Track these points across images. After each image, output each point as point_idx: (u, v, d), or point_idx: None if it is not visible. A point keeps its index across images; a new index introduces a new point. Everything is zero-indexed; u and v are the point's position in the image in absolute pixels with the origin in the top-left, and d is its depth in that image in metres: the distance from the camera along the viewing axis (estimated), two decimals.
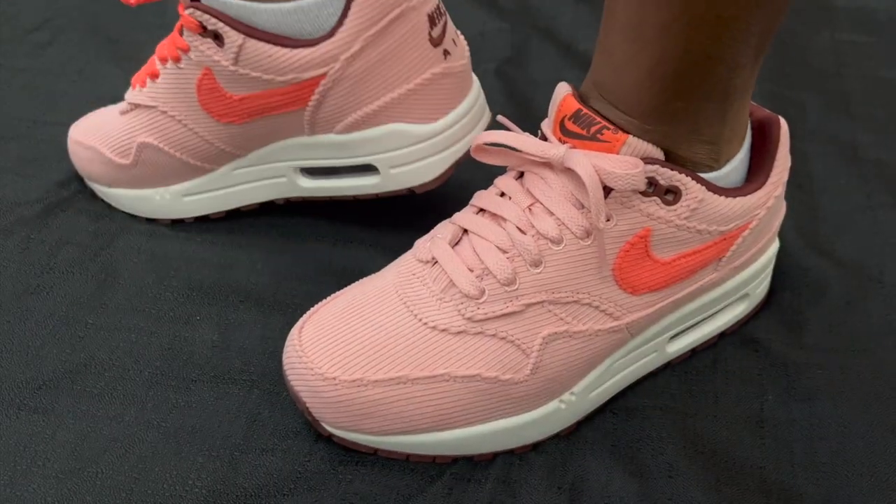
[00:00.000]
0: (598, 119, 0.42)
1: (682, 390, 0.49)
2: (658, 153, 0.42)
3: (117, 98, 0.70)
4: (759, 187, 0.46)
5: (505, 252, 0.43)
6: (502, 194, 0.45)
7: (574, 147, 0.42)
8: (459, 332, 0.43)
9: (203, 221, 0.59)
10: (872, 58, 0.73)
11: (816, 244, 0.56)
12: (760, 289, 0.51)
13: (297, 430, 0.46)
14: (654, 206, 0.43)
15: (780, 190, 0.48)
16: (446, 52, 0.52)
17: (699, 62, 0.40)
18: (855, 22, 0.78)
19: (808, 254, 0.56)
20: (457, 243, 0.45)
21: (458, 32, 0.54)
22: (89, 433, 0.46)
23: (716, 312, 0.50)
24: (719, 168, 0.45)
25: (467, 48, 0.55)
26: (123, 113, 0.59)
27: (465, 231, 0.45)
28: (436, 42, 0.51)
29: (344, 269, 0.55)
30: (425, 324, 0.44)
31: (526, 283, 0.43)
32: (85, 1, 0.81)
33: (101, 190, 0.61)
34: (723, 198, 0.44)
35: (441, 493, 0.44)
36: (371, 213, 0.59)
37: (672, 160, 0.43)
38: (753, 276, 0.50)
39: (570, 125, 0.43)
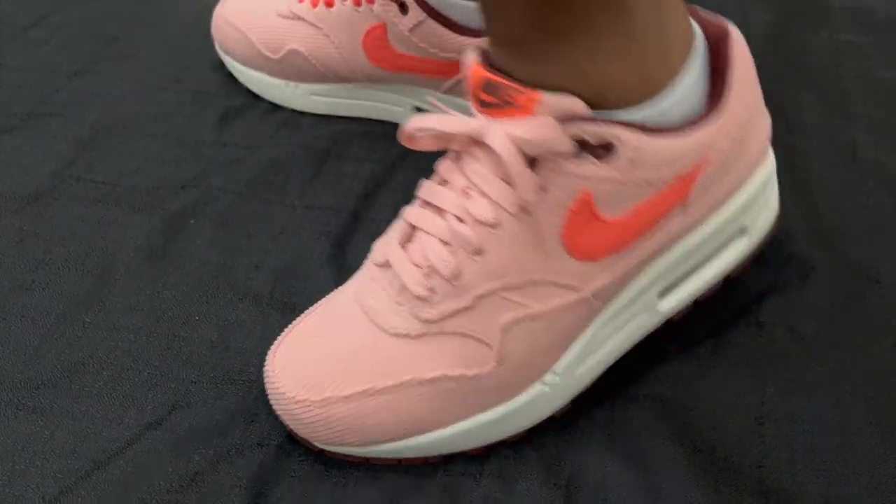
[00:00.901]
0: (506, 82, 0.39)
1: (682, 381, 0.48)
2: (578, 104, 0.38)
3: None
4: (714, 116, 0.41)
5: (447, 245, 0.42)
6: (443, 181, 0.43)
7: (492, 118, 0.39)
8: (419, 336, 0.43)
9: (205, 223, 0.59)
10: (871, 57, 0.73)
11: (814, 243, 0.56)
12: (762, 220, 0.47)
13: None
14: (587, 166, 0.39)
15: (745, 114, 0.42)
16: None
17: None
18: (853, 21, 0.78)
19: (806, 253, 0.55)
20: (408, 241, 0.44)
21: None
22: (88, 433, 0.46)
23: (711, 256, 0.46)
24: (659, 93, 0.40)
25: None
26: (282, 17, 0.66)
27: (414, 227, 0.44)
28: None
29: (341, 267, 0.55)
30: (386, 331, 0.43)
31: (472, 275, 0.41)
32: None
33: (235, 66, 0.70)
34: (665, 139, 0.40)
35: (436, 489, 0.44)
36: (372, 212, 0.59)
37: (600, 105, 0.39)
38: (744, 208, 0.45)
39: (483, 96, 0.40)
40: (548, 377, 0.44)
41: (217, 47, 0.71)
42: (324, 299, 0.47)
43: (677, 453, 0.45)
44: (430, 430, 0.43)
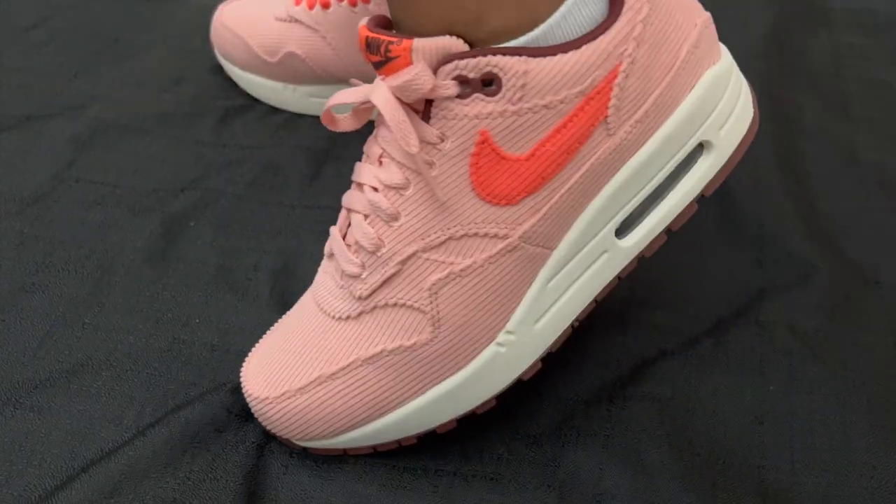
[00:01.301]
0: (381, 36, 0.38)
1: (681, 380, 0.48)
2: (454, 43, 0.37)
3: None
4: (612, 22, 0.38)
5: (367, 217, 0.41)
6: (364, 157, 0.43)
7: (381, 77, 0.38)
8: (358, 315, 0.42)
9: (205, 225, 0.59)
10: (871, 59, 0.74)
11: (814, 243, 0.56)
12: (729, 131, 0.43)
13: None
14: (477, 104, 0.38)
15: (651, 12, 0.39)
16: None
17: None
18: (853, 23, 0.78)
19: (806, 253, 0.56)
20: (347, 225, 0.43)
21: None
22: (86, 433, 0.46)
23: (673, 179, 0.43)
24: (548, 17, 0.38)
25: None
26: (280, 20, 0.66)
27: (348, 210, 0.43)
28: None
29: None
30: (332, 317, 0.43)
31: (392, 241, 0.41)
32: (83, 0, 0.81)
33: (234, 70, 0.70)
34: (555, 58, 0.37)
35: (429, 490, 0.44)
36: None
37: (485, 40, 0.37)
38: (694, 119, 0.41)
39: (369, 56, 0.39)
40: (501, 336, 0.42)
41: (216, 53, 0.72)
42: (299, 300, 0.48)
43: (675, 454, 0.45)
44: (390, 411, 0.42)
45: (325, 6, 0.64)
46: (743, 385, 0.48)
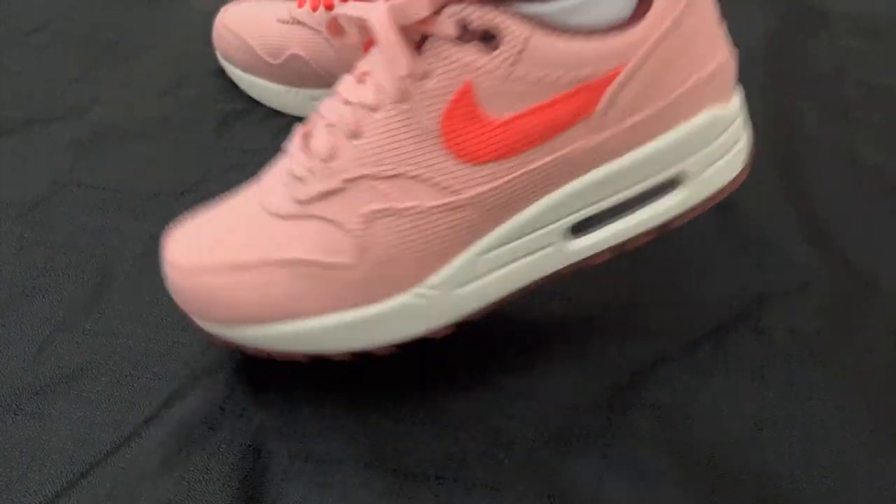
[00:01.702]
0: None
1: (680, 386, 0.48)
2: None
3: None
4: (631, 25, 0.37)
5: (331, 126, 0.40)
6: (353, 70, 0.42)
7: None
8: (289, 216, 0.41)
9: None
10: (871, 63, 0.74)
11: (813, 247, 0.56)
12: (712, 174, 0.42)
13: (294, 434, 0.46)
14: (471, 53, 0.36)
15: (673, 29, 0.38)
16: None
17: None
18: (853, 27, 0.78)
19: (805, 257, 0.56)
20: (312, 128, 0.43)
21: None
22: (86, 438, 0.46)
23: (641, 201, 0.42)
24: None
25: None
26: (283, 22, 0.66)
27: (319, 115, 0.43)
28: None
29: None
30: (265, 210, 0.42)
31: (346, 158, 0.40)
32: (85, 4, 0.81)
33: (236, 73, 0.70)
34: (562, 37, 0.36)
35: (428, 495, 0.44)
36: None
37: None
38: (681, 150, 0.40)
39: None
40: (421, 288, 0.41)
41: (218, 55, 0.72)
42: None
43: (674, 461, 0.45)
44: (291, 318, 0.42)
45: (329, 7, 0.64)
46: (742, 391, 0.48)
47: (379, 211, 0.40)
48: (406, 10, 0.36)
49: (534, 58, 0.36)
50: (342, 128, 0.40)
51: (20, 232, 0.58)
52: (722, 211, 0.59)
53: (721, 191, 0.43)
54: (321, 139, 0.41)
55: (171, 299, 0.53)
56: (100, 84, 0.72)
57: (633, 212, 0.42)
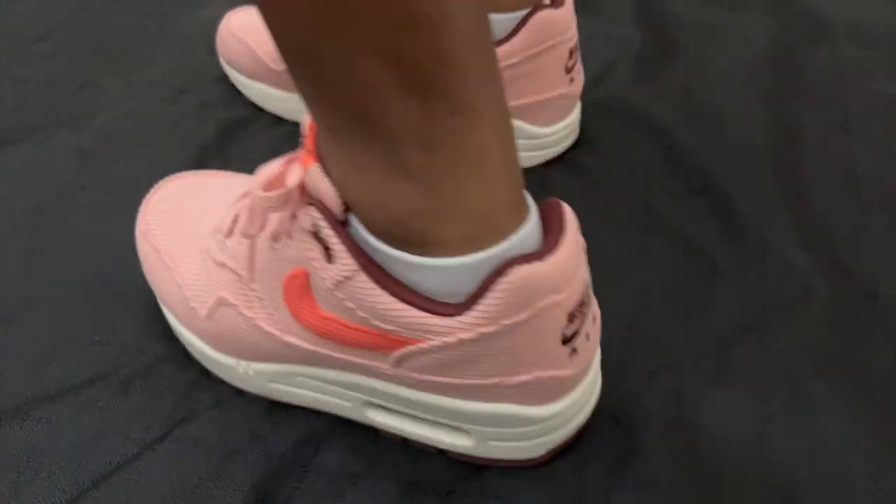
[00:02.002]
0: (308, 137, 0.40)
1: (685, 399, 0.49)
2: (333, 197, 0.38)
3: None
4: (460, 312, 0.38)
5: (231, 208, 0.46)
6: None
7: (297, 159, 0.40)
8: (203, 252, 0.47)
9: None
10: (871, 72, 0.74)
11: (814, 257, 0.57)
12: (498, 445, 0.43)
13: (298, 441, 0.47)
14: (315, 253, 0.39)
15: (498, 326, 0.38)
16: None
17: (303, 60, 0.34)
18: (853, 36, 0.78)
19: (805, 267, 0.56)
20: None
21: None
22: (94, 446, 0.46)
23: (427, 422, 0.44)
24: (430, 255, 0.38)
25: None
26: None
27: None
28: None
29: None
30: (203, 233, 0.48)
31: (229, 246, 0.45)
32: (88, 13, 0.82)
33: (240, 79, 0.71)
34: (384, 288, 0.38)
35: None
36: None
37: (375, 229, 0.38)
38: (470, 417, 0.42)
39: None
40: (245, 364, 0.47)
41: (222, 61, 0.72)
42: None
43: (680, 472, 0.45)
44: (172, 316, 0.50)
45: None
46: (745, 403, 0.48)
47: (228, 301, 0.45)
48: (255, 194, 0.40)
49: (351, 292, 0.39)
50: (243, 226, 0.43)
51: (27, 239, 0.58)
52: (723, 220, 0.59)
53: (511, 461, 0.44)
54: (228, 218, 0.45)
55: None
56: (104, 91, 0.72)
57: (428, 426, 0.45)
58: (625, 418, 0.48)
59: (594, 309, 0.42)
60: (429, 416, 0.44)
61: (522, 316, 0.38)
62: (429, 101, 0.33)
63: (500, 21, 0.59)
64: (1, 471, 0.45)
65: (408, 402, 0.43)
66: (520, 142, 0.54)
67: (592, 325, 0.42)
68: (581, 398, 0.43)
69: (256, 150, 0.67)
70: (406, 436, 0.46)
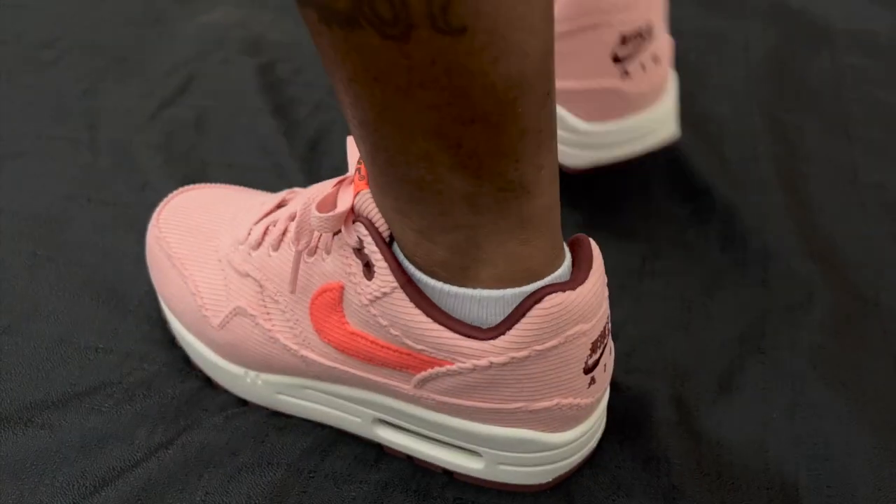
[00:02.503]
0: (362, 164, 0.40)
1: (690, 405, 0.49)
2: (381, 219, 0.39)
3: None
4: (493, 336, 0.39)
5: (272, 227, 0.46)
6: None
7: (349, 183, 0.41)
8: (222, 259, 0.47)
9: None
10: (872, 80, 0.74)
11: (815, 265, 0.57)
12: (508, 469, 0.44)
13: (304, 449, 0.47)
14: (354, 268, 0.40)
15: (529, 352, 0.39)
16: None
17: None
18: (854, 44, 0.78)
19: (806, 275, 0.56)
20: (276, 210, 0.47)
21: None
22: (98, 452, 0.46)
23: (438, 442, 0.45)
24: (462, 285, 0.39)
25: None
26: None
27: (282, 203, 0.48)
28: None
29: None
30: (217, 239, 0.49)
31: (255, 257, 0.45)
32: (92, 20, 0.82)
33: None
34: (418, 309, 0.39)
35: None
36: None
37: (417, 262, 0.39)
38: (484, 441, 0.43)
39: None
40: (252, 374, 0.48)
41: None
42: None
43: (683, 478, 0.45)
44: (177, 320, 0.51)
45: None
46: (747, 410, 0.49)
47: (245, 311, 0.46)
48: (310, 214, 0.40)
49: (387, 308, 0.40)
50: (275, 234, 0.45)
51: (32, 248, 0.58)
52: (725, 227, 0.59)
53: (518, 486, 0.45)
54: (258, 230, 0.46)
55: None
56: (108, 99, 0.72)
57: (436, 445, 0.45)
58: (629, 425, 0.48)
59: (610, 340, 0.43)
60: (442, 437, 0.44)
61: (553, 343, 0.39)
62: (480, 178, 0.35)
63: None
64: (4, 477, 0.45)
65: (422, 421, 0.44)
66: (562, 134, 0.53)
67: (609, 355, 0.43)
68: (592, 427, 0.44)
69: (258, 152, 0.67)
70: (413, 454, 0.46)
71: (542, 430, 0.42)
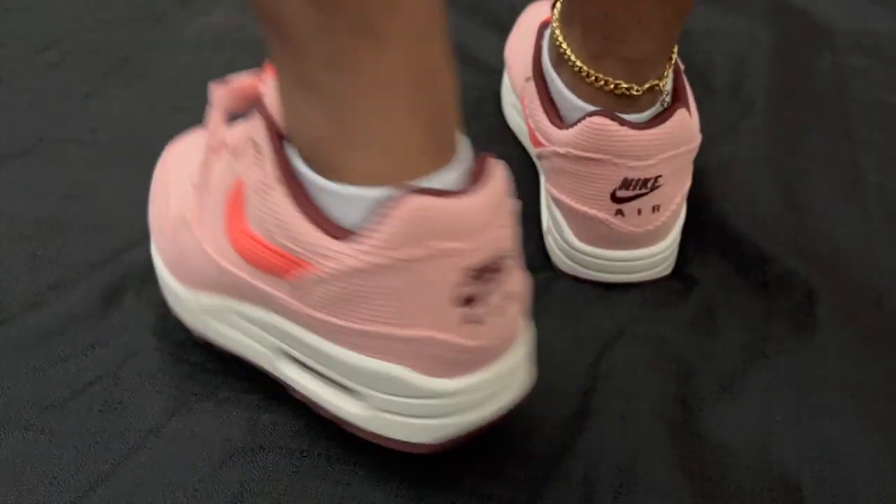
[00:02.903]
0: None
1: (689, 407, 0.49)
2: (276, 113, 0.39)
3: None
4: (353, 238, 0.37)
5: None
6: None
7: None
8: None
9: None
10: (874, 81, 0.74)
11: (816, 267, 0.57)
12: (387, 418, 0.41)
13: (296, 430, 0.47)
14: (252, 161, 0.39)
15: (390, 259, 0.36)
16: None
17: None
18: (856, 46, 0.78)
19: (807, 277, 0.56)
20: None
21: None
22: (94, 450, 0.46)
23: (327, 381, 0.43)
24: (336, 179, 0.38)
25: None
26: None
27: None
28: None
29: None
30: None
31: (199, 165, 0.46)
32: (94, 21, 0.82)
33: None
34: (291, 203, 0.38)
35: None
36: None
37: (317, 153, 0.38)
38: (360, 376, 0.40)
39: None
40: (192, 297, 0.47)
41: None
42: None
43: (687, 477, 0.45)
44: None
45: None
46: (750, 411, 0.48)
47: (185, 219, 0.46)
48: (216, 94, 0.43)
49: (271, 206, 0.39)
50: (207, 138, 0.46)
51: (33, 249, 0.58)
52: (725, 229, 0.59)
53: (400, 443, 0.41)
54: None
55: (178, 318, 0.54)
56: (109, 101, 0.72)
57: (323, 382, 0.43)
58: (631, 425, 0.48)
59: (517, 287, 0.38)
60: (328, 373, 0.42)
61: (413, 252, 0.35)
62: (325, 13, 0.33)
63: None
64: (4, 476, 0.45)
65: (314, 352, 0.41)
66: (557, 242, 0.55)
67: (510, 301, 0.38)
68: (488, 384, 0.40)
69: None
70: (307, 394, 0.44)
71: (420, 372, 0.39)
